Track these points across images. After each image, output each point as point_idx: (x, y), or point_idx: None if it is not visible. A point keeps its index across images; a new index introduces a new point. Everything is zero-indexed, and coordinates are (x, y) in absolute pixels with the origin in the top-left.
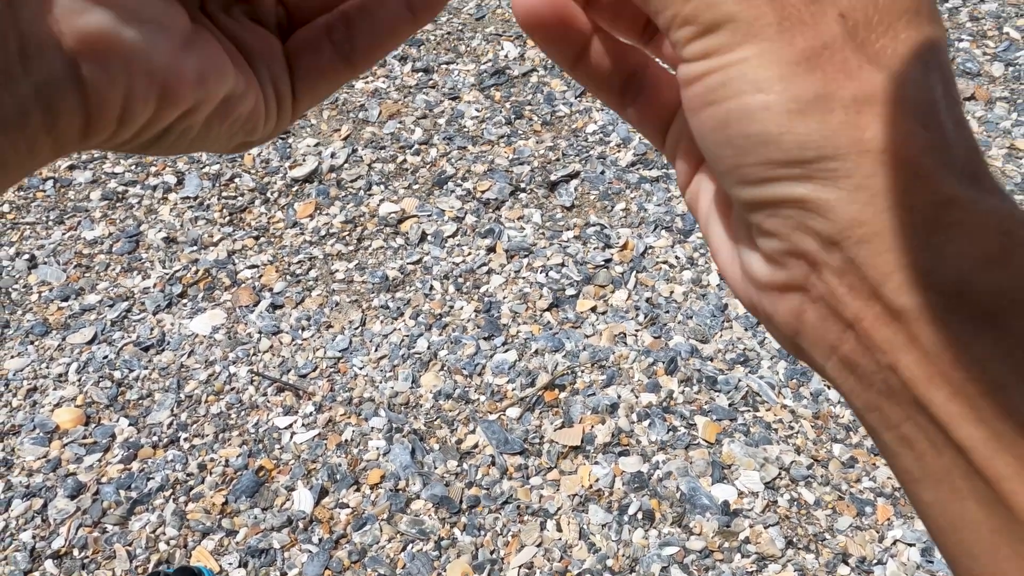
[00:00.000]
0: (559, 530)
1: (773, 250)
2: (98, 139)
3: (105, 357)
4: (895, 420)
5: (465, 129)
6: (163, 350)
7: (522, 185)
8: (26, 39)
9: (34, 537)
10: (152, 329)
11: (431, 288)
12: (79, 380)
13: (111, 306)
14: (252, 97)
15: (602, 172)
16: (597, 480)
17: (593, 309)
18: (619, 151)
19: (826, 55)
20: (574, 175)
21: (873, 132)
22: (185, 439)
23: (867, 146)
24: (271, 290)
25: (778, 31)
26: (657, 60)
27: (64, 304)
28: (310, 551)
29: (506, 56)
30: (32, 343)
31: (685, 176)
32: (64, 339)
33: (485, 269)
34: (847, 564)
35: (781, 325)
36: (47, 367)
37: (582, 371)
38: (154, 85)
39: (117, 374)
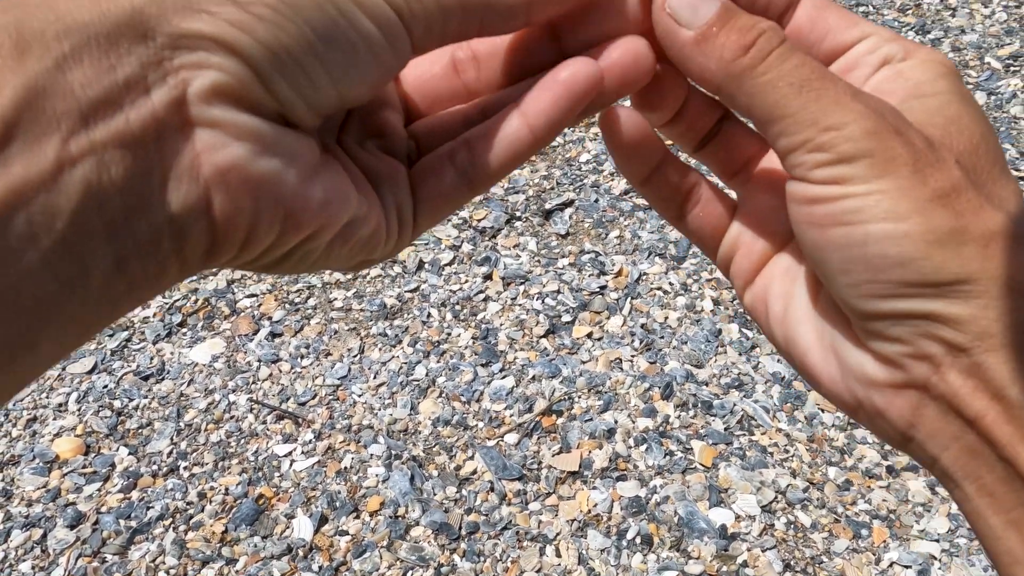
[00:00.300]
0: (558, 555)
1: (895, 353)
2: (221, 260)
3: (105, 386)
4: (1009, 505)
5: None
6: (163, 379)
7: (518, 214)
8: (167, 172)
9: (34, 568)
10: (152, 358)
11: (429, 316)
12: (79, 409)
13: (111, 336)
14: (374, 221)
15: (596, 200)
16: (595, 505)
17: (589, 335)
18: (612, 180)
19: (954, 195)
20: (568, 203)
21: (1001, 262)
22: (185, 468)
23: (996, 273)
24: (270, 319)
25: (912, 171)
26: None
27: None
28: None
29: None
30: None
31: (743, 280)
32: (64, 369)
33: (482, 296)
34: None
35: (895, 419)
36: (47, 397)
37: (579, 397)
38: (279, 212)
39: (117, 403)
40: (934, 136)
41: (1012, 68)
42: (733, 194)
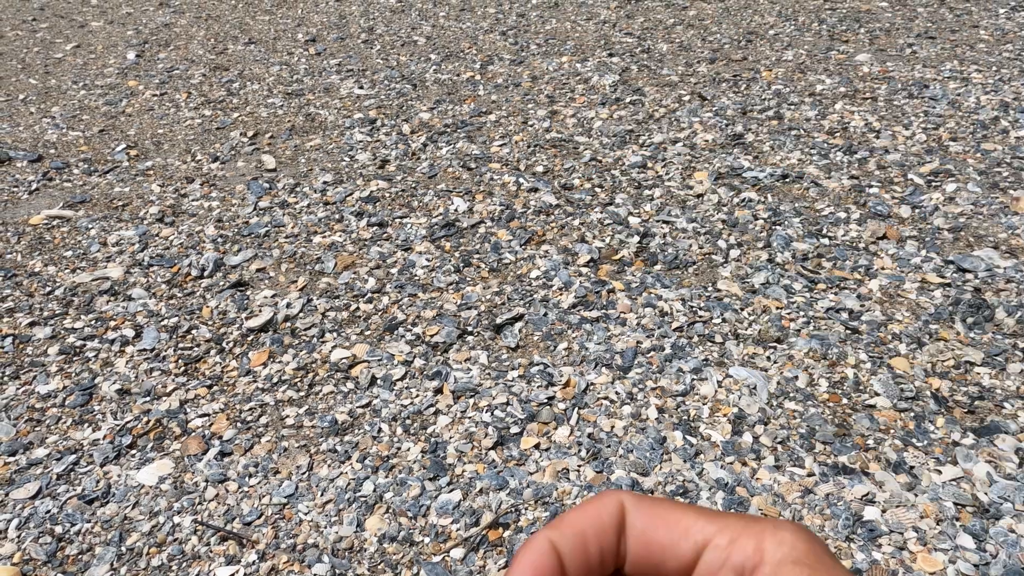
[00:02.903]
0: None
1: None
2: None
3: (48, 511)
4: None
5: (416, 278)
6: (107, 502)
7: (469, 328)
8: None
9: None
10: (98, 481)
11: (379, 431)
12: (18, 536)
13: (59, 459)
14: None
15: (545, 314)
16: None
17: (537, 446)
18: (561, 294)
19: None
20: (519, 318)
21: None
22: None
23: None
24: (220, 438)
25: None
26: None
27: (11, 459)
28: None
29: (455, 210)
30: None
31: None
32: (7, 495)
33: (432, 410)
34: None
35: None
36: None
37: (526, 508)
38: None
39: (59, 529)
40: None
41: (932, 184)
42: None
